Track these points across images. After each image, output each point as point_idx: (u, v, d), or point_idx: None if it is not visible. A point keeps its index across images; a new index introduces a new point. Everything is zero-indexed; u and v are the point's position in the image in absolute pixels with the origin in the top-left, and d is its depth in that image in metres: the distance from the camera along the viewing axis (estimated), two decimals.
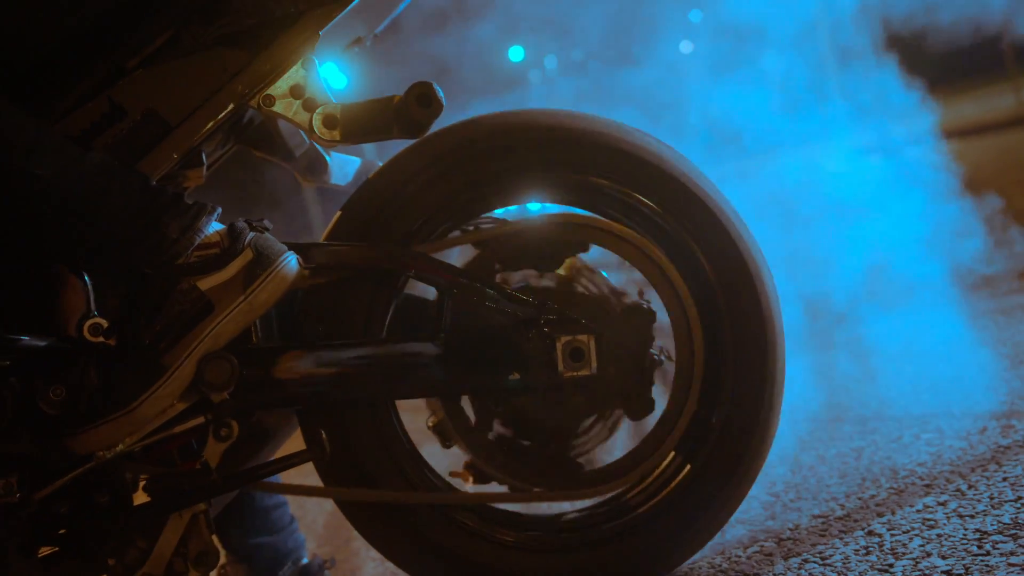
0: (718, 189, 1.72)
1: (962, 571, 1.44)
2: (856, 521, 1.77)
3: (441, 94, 1.59)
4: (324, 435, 1.58)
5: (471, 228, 1.75)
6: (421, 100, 1.59)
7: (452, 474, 1.77)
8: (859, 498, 1.89)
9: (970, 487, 1.77)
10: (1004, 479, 1.76)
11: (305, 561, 2.11)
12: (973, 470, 1.86)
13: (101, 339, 1.47)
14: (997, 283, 3.35)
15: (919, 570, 1.49)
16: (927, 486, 1.85)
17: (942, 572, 1.46)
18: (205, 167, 1.74)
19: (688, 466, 1.69)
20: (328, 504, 3.05)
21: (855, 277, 3.40)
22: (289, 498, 2.17)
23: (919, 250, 3.31)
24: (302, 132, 1.81)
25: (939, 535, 1.60)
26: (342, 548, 2.66)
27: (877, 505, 1.82)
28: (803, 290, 3.14)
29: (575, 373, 1.63)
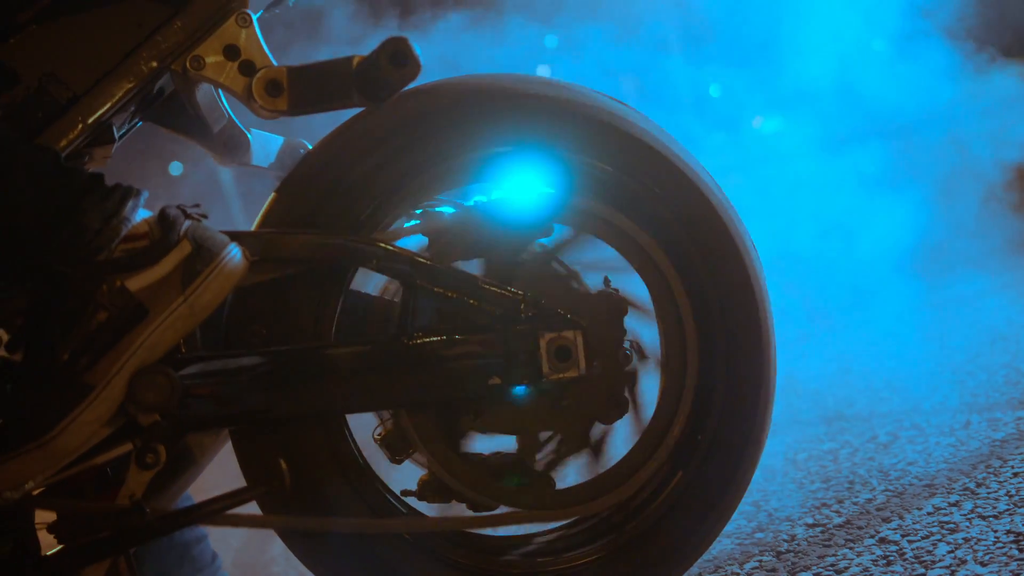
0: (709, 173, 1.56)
1: None
2: (860, 528, 1.62)
3: (419, 51, 1.37)
4: (284, 464, 1.33)
5: (419, 214, 1.53)
6: (395, 58, 1.38)
7: (404, 493, 1.54)
8: (854, 503, 1.74)
9: (979, 485, 1.64)
10: (1015, 475, 1.64)
11: None
12: (975, 467, 1.73)
13: (3, 354, 1.19)
14: (928, 273, 3.31)
15: None
16: (928, 486, 1.71)
17: None
18: (116, 143, 1.47)
19: (680, 473, 1.51)
20: (236, 539, 2.75)
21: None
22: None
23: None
24: (223, 105, 1.56)
25: (965, 539, 1.46)
26: None
27: (878, 510, 1.67)
28: None
29: (561, 375, 1.43)
